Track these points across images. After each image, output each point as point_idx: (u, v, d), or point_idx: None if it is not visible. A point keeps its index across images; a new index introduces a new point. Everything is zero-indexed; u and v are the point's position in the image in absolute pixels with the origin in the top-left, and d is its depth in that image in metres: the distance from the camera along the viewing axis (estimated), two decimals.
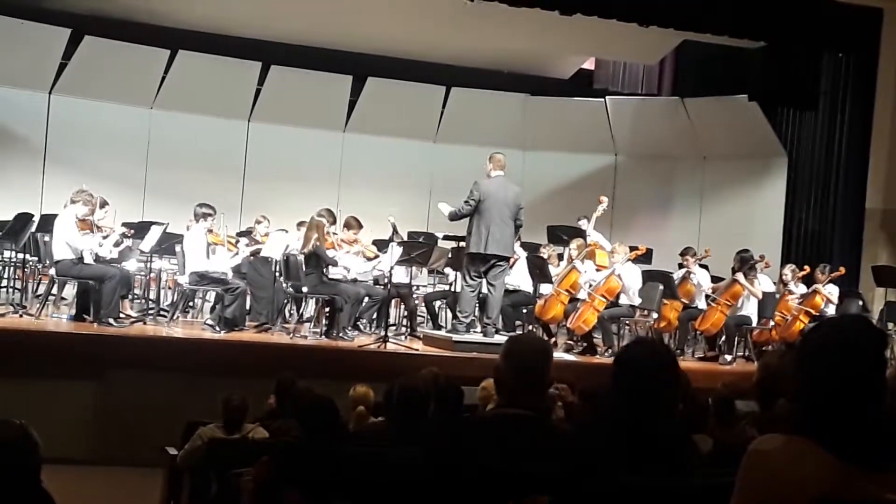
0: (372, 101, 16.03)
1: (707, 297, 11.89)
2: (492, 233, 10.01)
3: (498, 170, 10.30)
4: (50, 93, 14.81)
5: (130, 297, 11.40)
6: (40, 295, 11.07)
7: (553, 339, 11.70)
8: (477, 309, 10.63)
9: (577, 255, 11.46)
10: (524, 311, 11.67)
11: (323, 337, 10.55)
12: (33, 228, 11.09)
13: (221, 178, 15.16)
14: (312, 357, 9.65)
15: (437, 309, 12.35)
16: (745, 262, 11.57)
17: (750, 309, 11.60)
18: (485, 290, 10.44)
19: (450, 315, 11.97)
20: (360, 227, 11.39)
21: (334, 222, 11.19)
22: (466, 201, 10.17)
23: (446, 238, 12.08)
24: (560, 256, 12.26)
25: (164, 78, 15.23)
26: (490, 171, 10.33)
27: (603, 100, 16.62)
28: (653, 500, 3.00)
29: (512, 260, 11.40)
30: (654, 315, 11.53)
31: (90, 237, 10.18)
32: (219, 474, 5.52)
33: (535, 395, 3.29)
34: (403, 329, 11.81)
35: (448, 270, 12.36)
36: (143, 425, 8.41)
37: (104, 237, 10.50)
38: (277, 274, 11.30)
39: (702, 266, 12.39)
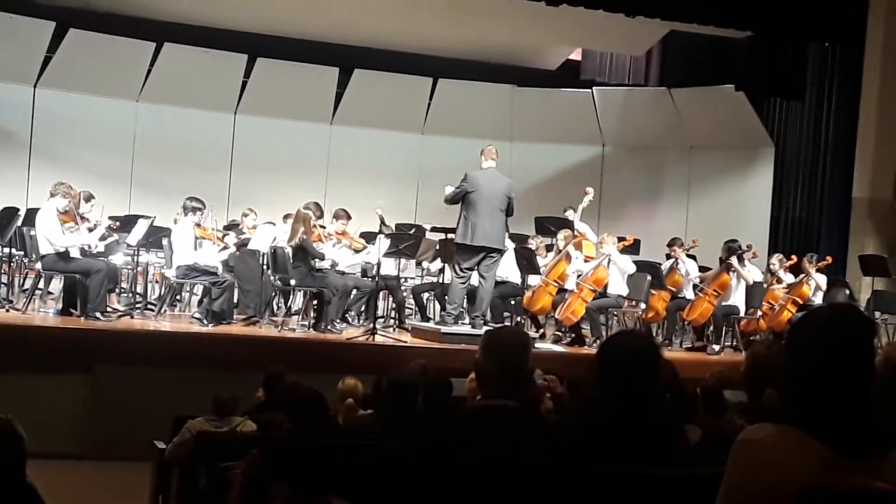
0: (359, 92, 16.00)
1: (695, 287, 11.92)
2: (480, 224, 9.98)
3: (489, 161, 10.30)
4: (35, 86, 14.74)
5: (117, 290, 11.37)
6: (27, 289, 11.02)
7: (541, 330, 11.72)
8: (465, 301, 10.62)
9: (565, 246, 11.46)
10: (512, 302, 11.67)
11: (311, 330, 10.55)
12: (19, 223, 11.03)
13: (208, 171, 15.12)
14: (301, 350, 9.66)
15: (425, 301, 12.34)
16: (733, 252, 11.60)
17: (737, 298, 11.63)
18: (475, 281, 10.43)
19: (438, 307, 11.97)
20: (349, 218, 11.39)
21: (322, 216, 11.18)
22: (456, 188, 10.17)
23: (434, 230, 12.07)
24: (548, 247, 12.26)
25: (149, 71, 15.16)
26: (482, 163, 10.34)
27: (590, 91, 16.62)
28: (641, 489, 3.00)
29: None
30: (642, 305, 11.56)
31: (72, 233, 10.12)
32: (208, 468, 5.51)
33: (517, 386, 3.28)
34: (392, 321, 11.80)
35: (427, 262, 12.36)
36: (131, 419, 8.39)
37: (90, 230, 10.46)
38: (265, 267, 11.27)
39: (689, 256, 12.41)
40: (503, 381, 3.26)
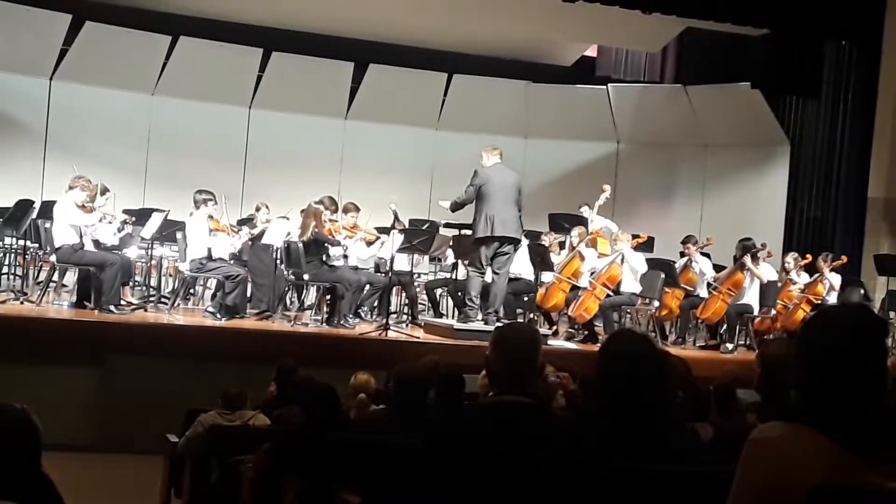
0: (373, 88, 16.00)
1: (709, 285, 11.89)
2: (497, 216, 9.92)
3: (495, 157, 10.23)
4: (51, 79, 14.78)
5: (131, 284, 11.40)
6: (41, 282, 11.06)
7: (554, 328, 11.71)
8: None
9: (578, 243, 11.44)
10: (525, 299, 11.66)
11: (324, 324, 10.56)
12: (34, 215, 11.08)
13: (222, 165, 15.13)
14: (313, 345, 9.65)
15: (438, 297, 12.34)
16: (747, 250, 11.57)
17: (751, 297, 11.60)
18: (488, 278, 10.40)
19: (451, 303, 11.97)
20: (358, 210, 11.40)
21: (336, 209, 11.19)
22: (467, 188, 10.11)
23: (448, 225, 12.07)
24: (561, 244, 12.25)
25: (165, 64, 15.19)
26: (486, 161, 10.24)
27: (605, 87, 16.59)
28: (653, 487, 3.00)
29: None
30: (656, 303, 11.53)
31: (91, 216, 10.16)
32: (220, 461, 5.53)
33: (527, 383, 3.28)
34: (404, 317, 11.81)
35: (442, 257, 12.36)
36: (144, 412, 8.41)
37: (107, 223, 10.50)
38: (278, 261, 11.29)
39: (703, 254, 12.38)
40: (513, 378, 3.26)
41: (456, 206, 10.37)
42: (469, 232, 10.51)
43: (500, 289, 10.30)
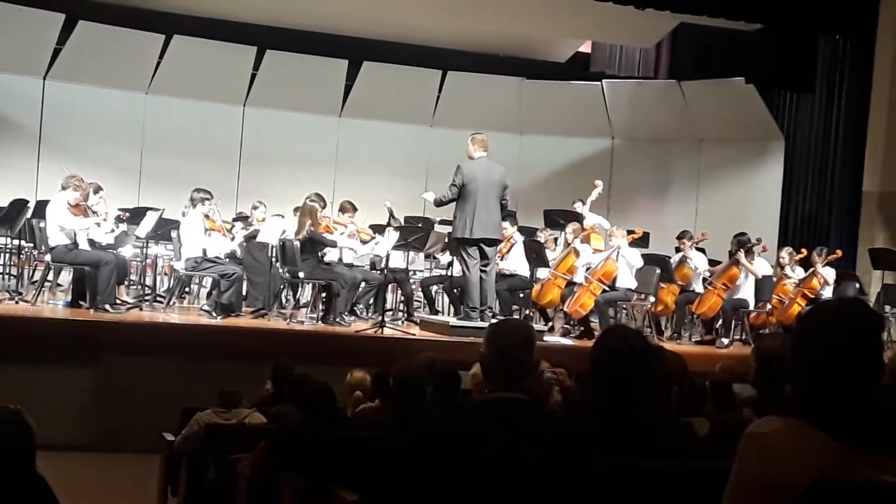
0: (368, 85, 15.99)
1: (704, 280, 11.90)
2: (477, 216, 9.75)
3: (481, 151, 9.98)
4: (45, 78, 14.76)
5: (126, 283, 11.38)
6: (36, 281, 11.04)
7: (550, 323, 11.70)
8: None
9: (573, 239, 11.44)
10: (521, 295, 11.66)
11: (320, 322, 10.54)
12: (28, 215, 11.06)
13: (217, 164, 15.13)
14: (309, 342, 9.63)
15: (433, 294, 12.33)
16: (742, 245, 11.57)
17: (747, 292, 11.60)
18: (476, 278, 10.31)
19: (447, 300, 11.96)
20: (355, 210, 11.39)
21: (325, 206, 11.15)
22: (450, 186, 9.91)
23: (443, 223, 12.06)
24: (556, 240, 12.25)
25: (159, 63, 15.18)
26: (472, 152, 10.01)
27: (599, 83, 16.59)
28: (650, 483, 3.00)
29: (509, 244, 11.37)
30: (651, 299, 11.54)
31: (84, 220, 10.14)
32: (216, 459, 5.53)
33: (522, 379, 3.28)
34: (400, 314, 11.80)
35: (438, 254, 12.33)
36: (140, 411, 8.41)
37: (97, 224, 10.47)
38: (274, 259, 11.28)
39: (698, 249, 12.38)
40: (508, 374, 3.26)
41: (439, 203, 10.25)
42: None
43: (490, 286, 10.20)
